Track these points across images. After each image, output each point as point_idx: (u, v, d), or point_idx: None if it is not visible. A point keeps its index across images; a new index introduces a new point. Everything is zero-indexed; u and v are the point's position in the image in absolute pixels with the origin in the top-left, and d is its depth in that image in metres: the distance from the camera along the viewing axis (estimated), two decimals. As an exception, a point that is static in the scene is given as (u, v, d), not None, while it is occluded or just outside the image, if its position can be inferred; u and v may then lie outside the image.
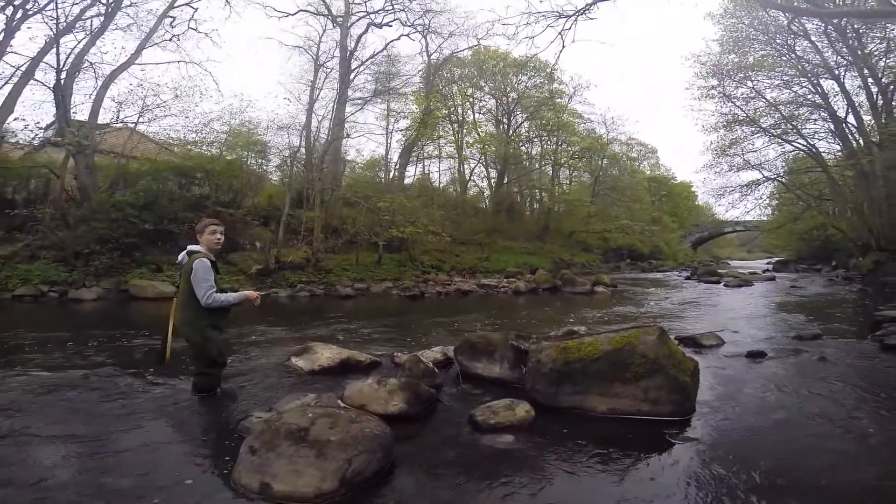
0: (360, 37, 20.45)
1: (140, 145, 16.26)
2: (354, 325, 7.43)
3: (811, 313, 8.33)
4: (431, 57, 24.07)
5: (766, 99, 21.89)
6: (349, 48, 19.87)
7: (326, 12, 20.19)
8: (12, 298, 10.11)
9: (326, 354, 4.08)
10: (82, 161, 13.42)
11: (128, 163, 15.32)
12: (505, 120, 28.29)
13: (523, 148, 29.69)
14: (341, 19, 19.95)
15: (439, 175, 29.25)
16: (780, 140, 22.36)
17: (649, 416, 2.89)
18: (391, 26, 21.22)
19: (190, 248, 3.39)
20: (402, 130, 24.98)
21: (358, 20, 20.57)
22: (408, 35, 21.94)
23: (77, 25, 14.50)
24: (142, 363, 4.46)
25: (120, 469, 2.27)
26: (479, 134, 27.23)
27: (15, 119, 13.64)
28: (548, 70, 24.41)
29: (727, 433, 2.73)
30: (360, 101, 20.46)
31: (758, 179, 23.42)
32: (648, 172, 42.99)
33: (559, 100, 27.09)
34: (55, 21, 13.86)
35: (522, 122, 28.74)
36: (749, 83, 21.86)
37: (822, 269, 20.81)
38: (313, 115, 18.90)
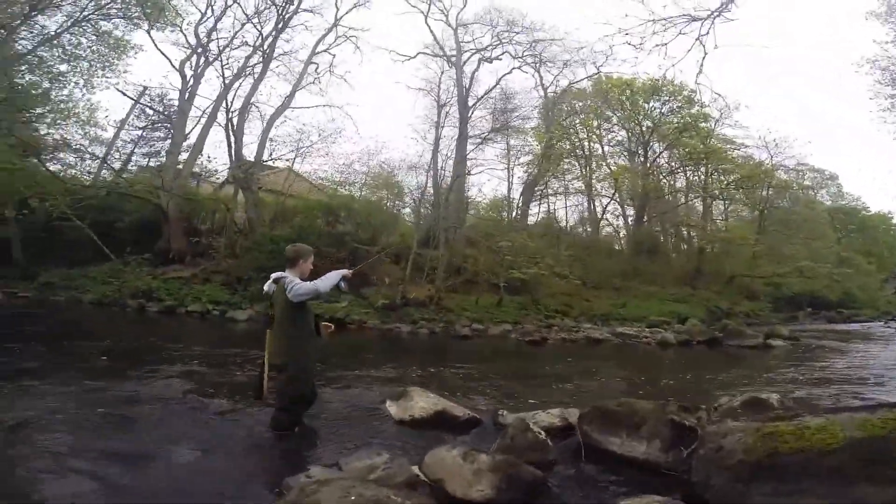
0: (472, 74, 21.08)
1: (295, 184, 18.59)
2: (465, 367, 6.79)
3: None
4: (548, 90, 23.70)
5: None
6: (465, 86, 20.56)
7: (441, 53, 21.34)
8: (185, 313, 11.96)
9: (421, 404, 3.48)
10: (251, 198, 15.75)
11: (285, 200, 17.56)
12: (640, 151, 25.82)
13: (665, 181, 26.59)
14: (455, 58, 20.84)
15: (566, 213, 27.74)
16: None
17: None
18: (501, 59, 21.56)
19: (277, 275, 3.20)
20: (522, 165, 24.60)
21: (470, 57, 21.31)
22: (519, 67, 22.08)
23: (246, 71, 17.71)
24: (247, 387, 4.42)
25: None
26: (609, 167, 25.25)
27: (208, 159, 16.84)
28: (685, 92, 21.74)
29: None
30: (478, 139, 20.80)
31: None
32: (829, 203, 35.16)
33: (704, 124, 23.80)
34: (228, 68, 17.15)
35: (661, 153, 25.86)
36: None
37: None
38: (439, 153, 19.64)
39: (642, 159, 25.61)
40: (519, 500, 2.10)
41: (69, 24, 14.98)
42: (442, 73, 21.49)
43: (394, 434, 3.18)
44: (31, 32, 14.63)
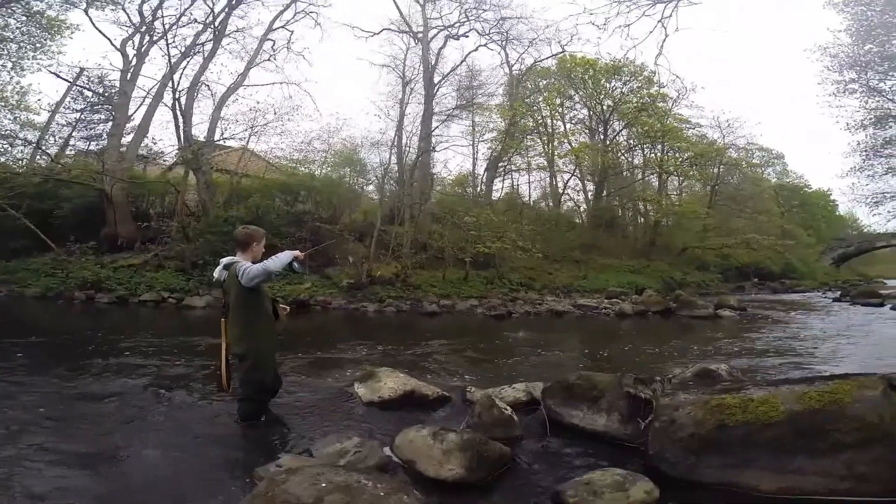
0: (439, 50, 20.74)
1: (251, 164, 17.79)
2: (434, 344, 6.84)
3: None
4: (513, 68, 23.65)
5: (925, 88, 17.99)
6: (431, 62, 20.18)
7: (408, 29, 20.81)
8: (138, 303, 11.35)
9: (390, 384, 3.48)
10: (202, 178, 14.97)
11: (240, 180, 16.79)
12: (600, 129, 26.38)
13: (623, 158, 27.35)
14: (421, 35, 20.40)
15: (529, 189, 28.12)
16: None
17: (847, 497, 1.97)
18: (468, 37, 21.34)
19: (227, 260, 3.00)
20: (487, 141, 24.65)
21: (437, 34, 20.87)
22: (485, 45, 21.93)
23: (195, 50, 16.64)
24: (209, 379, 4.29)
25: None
26: (571, 144, 25.67)
27: (153, 140, 15.83)
28: (645, 73, 22.27)
29: None
30: (443, 115, 20.60)
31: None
32: (775, 180, 37.39)
33: (662, 104, 24.55)
34: (175, 47, 16.04)
35: (621, 131, 26.53)
36: (899, 73, 18.14)
37: None
38: (403, 130, 19.32)
39: (602, 137, 26.18)
40: (486, 476, 2.16)
41: (-6, 5, 13.59)
42: (408, 49, 21.00)
43: (364, 416, 3.17)
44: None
